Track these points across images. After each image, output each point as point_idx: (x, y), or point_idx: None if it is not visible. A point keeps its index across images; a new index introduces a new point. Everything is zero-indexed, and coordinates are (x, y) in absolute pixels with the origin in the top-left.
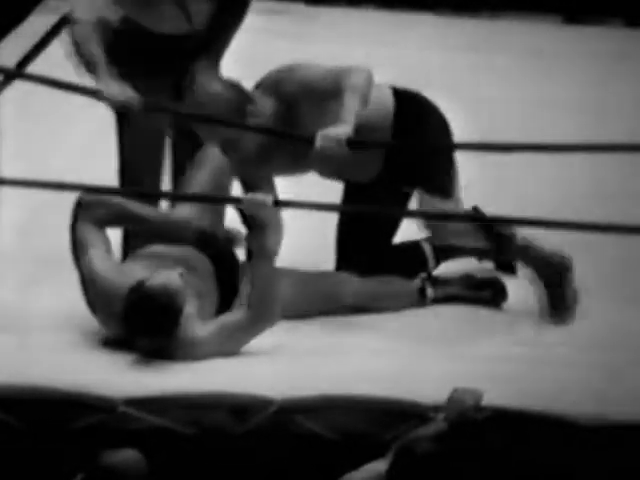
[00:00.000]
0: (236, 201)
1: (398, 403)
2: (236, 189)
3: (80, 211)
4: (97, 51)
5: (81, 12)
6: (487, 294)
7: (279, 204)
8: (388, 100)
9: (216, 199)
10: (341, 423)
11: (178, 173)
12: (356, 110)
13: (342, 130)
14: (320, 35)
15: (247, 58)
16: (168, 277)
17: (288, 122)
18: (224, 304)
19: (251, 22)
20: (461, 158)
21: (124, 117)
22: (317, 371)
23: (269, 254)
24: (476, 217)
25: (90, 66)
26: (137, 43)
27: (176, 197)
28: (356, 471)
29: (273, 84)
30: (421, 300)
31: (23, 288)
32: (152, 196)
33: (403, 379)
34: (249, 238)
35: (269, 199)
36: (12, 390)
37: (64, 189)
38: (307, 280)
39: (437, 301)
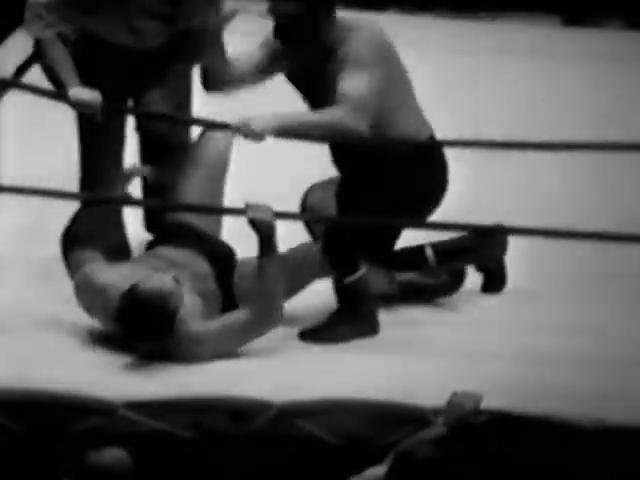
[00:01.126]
0: (239, 211)
1: (398, 407)
2: (236, 194)
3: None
4: (68, 67)
5: (40, 32)
6: (441, 281)
7: (279, 216)
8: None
9: (218, 210)
10: (341, 427)
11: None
12: (298, 122)
13: (262, 120)
14: None
15: None
16: (161, 280)
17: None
18: (226, 306)
19: (245, 25)
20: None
21: (85, 120)
22: (316, 374)
23: (274, 257)
24: (473, 226)
25: (59, 81)
26: (96, 51)
27: (178, 207)
28: (355, 477)
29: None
30: (390, 287)
31: (22, 291)
32: (154, 206)
33: (403, 382)
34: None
35: (268, 206)
36: (12, 393)
37: (63, 197)
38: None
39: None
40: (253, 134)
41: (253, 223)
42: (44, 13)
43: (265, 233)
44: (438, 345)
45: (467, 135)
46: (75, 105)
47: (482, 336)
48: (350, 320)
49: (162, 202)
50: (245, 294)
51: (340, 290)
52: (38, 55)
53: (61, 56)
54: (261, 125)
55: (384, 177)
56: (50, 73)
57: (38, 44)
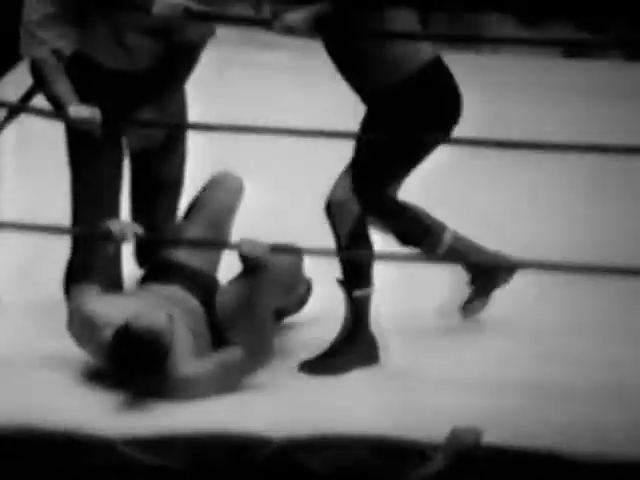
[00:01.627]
0: (233, 245)
1: (397, 441)
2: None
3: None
4: (65, 85)
5: (34, 51)
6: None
7: (276, 249)
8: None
9: (214, 243)
10: (340, 462)
11: (137, 202)
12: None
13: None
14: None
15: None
16: (153, 318)
17: None
18: (215, 342)
19: (246, 56)
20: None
21: (78, 145)
22: (314, 408)
23: (263, 294)
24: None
25: (57, 99)
26: (89, 76)
27: (176, 242)
28: None
29: None
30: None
31: (20, 328)
32: (155, 241)
33: (402, 416)
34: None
35: (264, 243)
36: (10, 431)
37: (61, 233)
38: None
39: None
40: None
41: (243, 258)
42: (37, 30)
43: (252, 269)
44: (438, 378)
45: (466, 167)
46: (75, 122)
47: (483, 369)
48: (350, 350)
49: (158, 237)
50: (228, 320)
51: (347, 304)
52: (34, 76)
53: (57, 74)
54: (298, 21)
55: (400, 100)
56: (47, 92)
57: (33, 63)
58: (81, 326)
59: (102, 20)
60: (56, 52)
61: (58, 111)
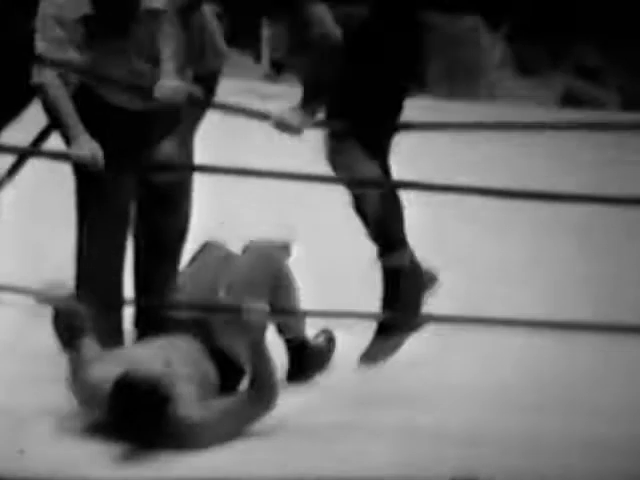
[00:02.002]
0: (234, 310)
1: None
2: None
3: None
4: (69, 109)
5: (42, 75)
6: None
7: (275, 311)
8: None
9: (215, 307)
10: None
11: (141, 252)
12: (315, 92)
13: (294, 114)
14: None
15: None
16: (150, 367)
17: None
18: (224, 389)
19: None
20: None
21: (86, 186)
22: (310, 458)
23: (265, 357)
24: None
25: (63, 128)
26: (95, 114)
27: (176, 306)
28: None
29: None
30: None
31: (16, 379)
32: (154, 307)
33: (400, 467)
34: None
35: (265, 307)
36: None
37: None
38: None
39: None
40: (290, 128)
41: (246, 325)
42: (45, 53)
43: (255, 336)
44: (435, 428)
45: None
46: (77, 161)
47: (478, 419)
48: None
49: (158, 301)
50: (230, 349)
51: (382, 274)
52: (44, 105)
53: (61, 97)
54: (296, 120)
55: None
56: (55, 121)
57: (40, 89)
58: (82, 388)
59: (109, 40)
60: (62, 77)
61: (67, 143)
